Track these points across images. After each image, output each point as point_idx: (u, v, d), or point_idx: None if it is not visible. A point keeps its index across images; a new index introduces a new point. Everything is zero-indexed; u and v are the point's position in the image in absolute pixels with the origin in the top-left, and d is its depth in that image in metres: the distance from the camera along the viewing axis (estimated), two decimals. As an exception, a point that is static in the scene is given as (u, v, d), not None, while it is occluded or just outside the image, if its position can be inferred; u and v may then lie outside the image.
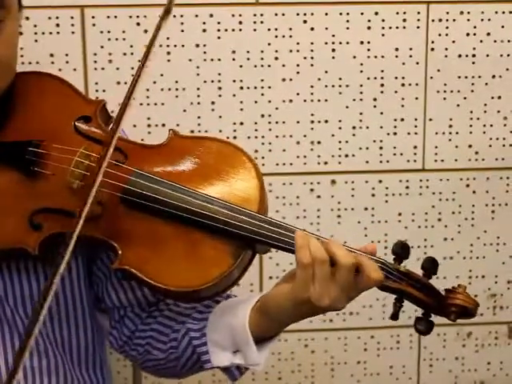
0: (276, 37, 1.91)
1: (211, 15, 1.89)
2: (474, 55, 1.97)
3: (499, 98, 2.00)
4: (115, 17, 1.87)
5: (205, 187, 1.29)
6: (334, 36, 1.93)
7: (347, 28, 1.92)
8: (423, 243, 2.05)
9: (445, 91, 1.98)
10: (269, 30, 1.91)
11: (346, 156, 1.99)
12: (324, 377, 2.12)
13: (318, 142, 1.98)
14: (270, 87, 1.94)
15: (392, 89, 1.97)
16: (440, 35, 1.95)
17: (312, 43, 1.92)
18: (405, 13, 1.93)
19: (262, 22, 1.90)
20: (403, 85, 1.97)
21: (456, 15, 1.94)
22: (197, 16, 1.89)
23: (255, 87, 1.94)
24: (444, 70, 1.97)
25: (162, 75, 1.91)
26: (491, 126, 2.02)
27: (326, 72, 1.95)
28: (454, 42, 1.96)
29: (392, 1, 1.92)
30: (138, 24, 1.87)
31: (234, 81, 1.93)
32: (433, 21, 1.94)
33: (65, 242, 1.13)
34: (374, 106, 1.98)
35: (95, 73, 1.89)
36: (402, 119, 1.99)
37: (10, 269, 1.33)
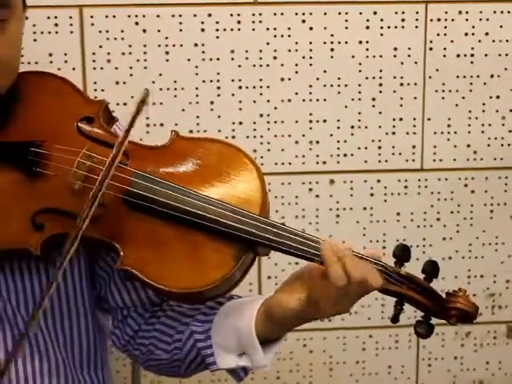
0: (275, 36, 1.91)
1: (210, 15, 1.89)
2: (472, 55, 1.97)
3: (498, 97, 2.00)
4: (114, 16, 1.86)
5: (206, 189, 1.29)
6: (332, 36, 1.93)
7: (346, 28, 1.92)
8: (422, 243, 2.06)
9: (443, 91, 1.98)
10: (267, 29, 1.91)
11: (345, 156, 1.99)
12: (322, 376, 2.12)
13: (317, 142, 1.98)
14: (268, 87, 1.94)
15: (391, 88, 1.97)
16: (438, 35, 1.95)
17: (311, 43, 1.92)
18: (403, 12, 1.93)
19: (260, 22, 1.90)
20: (402, 84, 1.97)
21: (454, 15, 1.94)
22: (195, 16, 1.89)
23: (254, 87, 1.94)
24: (442, 69, 1.97)
25: (160, 75, 1.91)
26: (490, 125, 2.02)
27: (325, 72, 1.95)
28: (452, 41, 1.96)
29: (390, 0, 1.92)
30: (137, 23, 1.87)
31: (233, 80, 1.93)
32: (431, 20, 1.94)
33: (67, 244, 1.13)
34: (373, 106, 1.98)
35: (94, 72, 1.89)
36: (401, 119, 1.99)
37: (12, 269, 1.33)
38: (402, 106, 1.98)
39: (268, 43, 1.91)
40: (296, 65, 1.93)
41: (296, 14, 1.90)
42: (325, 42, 1.93)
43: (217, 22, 1.89)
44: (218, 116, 1.94)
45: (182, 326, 1.38)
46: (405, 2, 1.93)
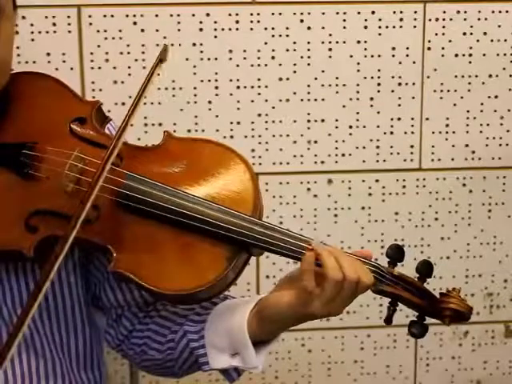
0: (273, 36, 1.91)
1: (208, 14, 1.89)
2: (470, 54, 1.97)
3: (496, 97, 2.00)
4: (112, 16, 1.86)
5: (199, 189, 1.29)
6: (330, 35, 1.93)
7: (344, 27, 1.92)
8: (420, 242, 2.06)
9: (441, 90, 1.98)
10: (265, 29, 1.91)
11: (343, 155, 1.99)
12: (321, 376, 2.13)
13: (315, 142, 1.98)
14: (266, 86, 1.94)
15: (389, 88, 1.97)
16: (437, 34, 1.95)
17: (309, 42, 1.92)
18: (401, 12, 1.93)
19: (258, 22, 1.90)
20: (400, 84, 1.97)
21: (453, 14, 1.94)
22: (193, 15, 1.89)
23: (252, 86, 1.94)
24: (441, 69, 1.97)
25: (158, 74, 1.90)
26: (488, 125, 2.02)
27: (323, 71, 1.95)
28: (450, 41, 1.96)
29: (389, 0, 1.92)
30: (135, 23, 1.87)
31: (231, 80, 1.93)
32: (429, 20, 1.94)
33: (59, 246, 1.14)
34: (371, 106, 1.98)
35: (92, 72, 1.89)
36: (399, 118, 1.99)
37: (8, 270, 1.33)
38: (400, 105, 1.98)
39: (266, 43, 1.91)
40: (294, 64, 1.93)
41: (294, 13, 1.90)
42: (323, 42, 1.93)
43: (215, 22, 1.89)
44: (216, 116, 1.94)
45: (176, 325, 1.38)
46: (403, 1, 1.93)
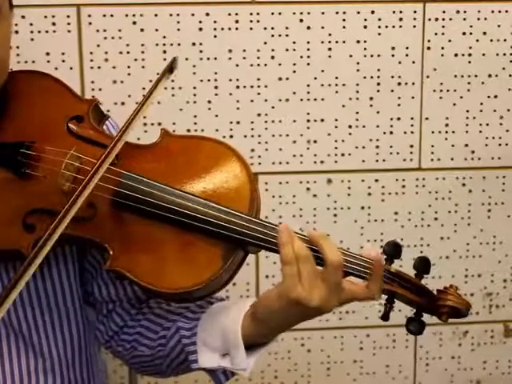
0: (272, 36, 1.91)
1: (207, 14, 1.89)
2: (470, 54, 1.97)
3: (495, 97, 2.00)
4: (111, 15, 1.87)
5: (195, 188, 1.29)
6: (330, 35, 1.93)
7: (343, 27, 1.93)
8: (419, 242, 2.06)
9: (441, 90, 1.98)
10: (265, 28, 1.91)
11: (343, 155, 2.00)
12: (320, 376, 2.13)
13: (315, 141, 1.98)
14: (266, 86, 1.94)
15: (388, 88, 1.97)
16: (436, 34, 1.95)
17: (308, 42, 1.92)
18: (401, 12, 1.93)
19: (258, 21, 1.90)
20: (399, 84, 1.97)
21: (452, 14, 1.94)
22: (193, 15, 1.89)
23: (251, 86, 1.94)
24: (440, 69, 1.97)
25: (158, 74, 1.90)
26: (487, 125, 2.02)
27: (323, 71, 1.95)
28: (450, 41, 1.96)
29: (388, 0, 1.92)
30: (134, 23, 1.87)
31: (231, 80, 1.93)
32: (429, 20, 1.94)
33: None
34: (371, 105, 1.98)
35: (91, 71, 1.89)
36: (399, 118, 1.99)
37: (7, 269, 1.33)
38: (399, 105, 1.99)
39: (265, 42, 1.92)
40: (294, 64, 1.93)
41: (294, 13, 1.91)
42: (322, 42, 1.93)
43: (214, 22, 1.90)
44: (216, 115, 1.94)
45: (169, 322, 1.38)
46: (403, 1, 1.93)
